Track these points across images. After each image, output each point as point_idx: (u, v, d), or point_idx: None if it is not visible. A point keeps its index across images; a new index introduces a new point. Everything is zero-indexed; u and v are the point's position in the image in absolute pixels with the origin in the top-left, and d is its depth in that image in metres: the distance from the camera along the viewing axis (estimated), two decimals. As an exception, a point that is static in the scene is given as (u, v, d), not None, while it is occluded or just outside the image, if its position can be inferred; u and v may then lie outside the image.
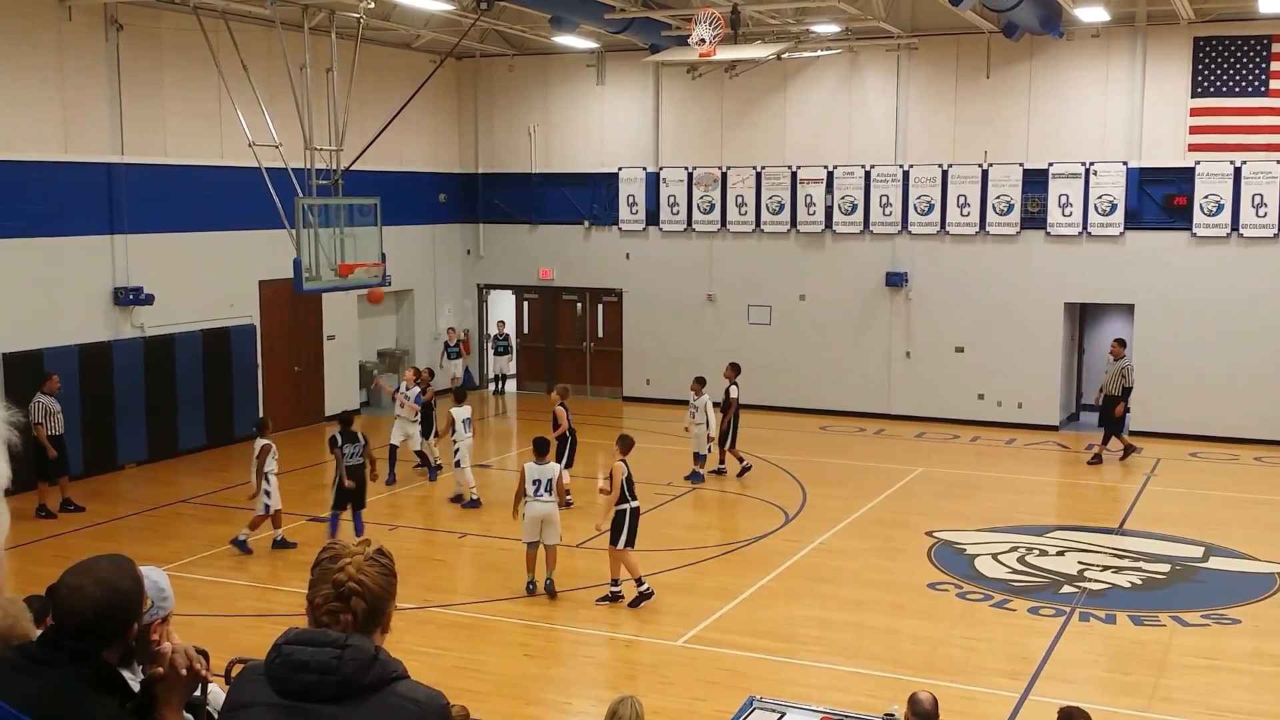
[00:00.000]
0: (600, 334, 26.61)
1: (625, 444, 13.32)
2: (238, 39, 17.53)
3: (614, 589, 13.14)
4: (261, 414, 19.52)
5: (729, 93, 24.57)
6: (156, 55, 19.63)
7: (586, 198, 26.05)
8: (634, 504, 13.10)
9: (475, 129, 26.99)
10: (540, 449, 13.51)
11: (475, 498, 17.18)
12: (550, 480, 13.29)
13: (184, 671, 3.20)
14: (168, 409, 19.73)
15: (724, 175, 24.82)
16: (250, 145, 17.41)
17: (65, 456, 16.59)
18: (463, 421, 17.37)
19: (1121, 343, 20.36)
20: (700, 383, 19.19)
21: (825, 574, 14.29)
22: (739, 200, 24.74)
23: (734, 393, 19.07)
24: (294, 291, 17.91)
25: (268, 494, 14.66)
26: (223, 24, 17.79)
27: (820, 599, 13.42)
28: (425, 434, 18.75)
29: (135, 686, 3.22)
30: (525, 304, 27.54)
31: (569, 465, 16.78)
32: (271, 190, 17.37)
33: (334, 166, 18.34)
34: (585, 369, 26.84)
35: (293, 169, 17.63)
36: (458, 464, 17.31)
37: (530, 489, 13.21)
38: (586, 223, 26.09)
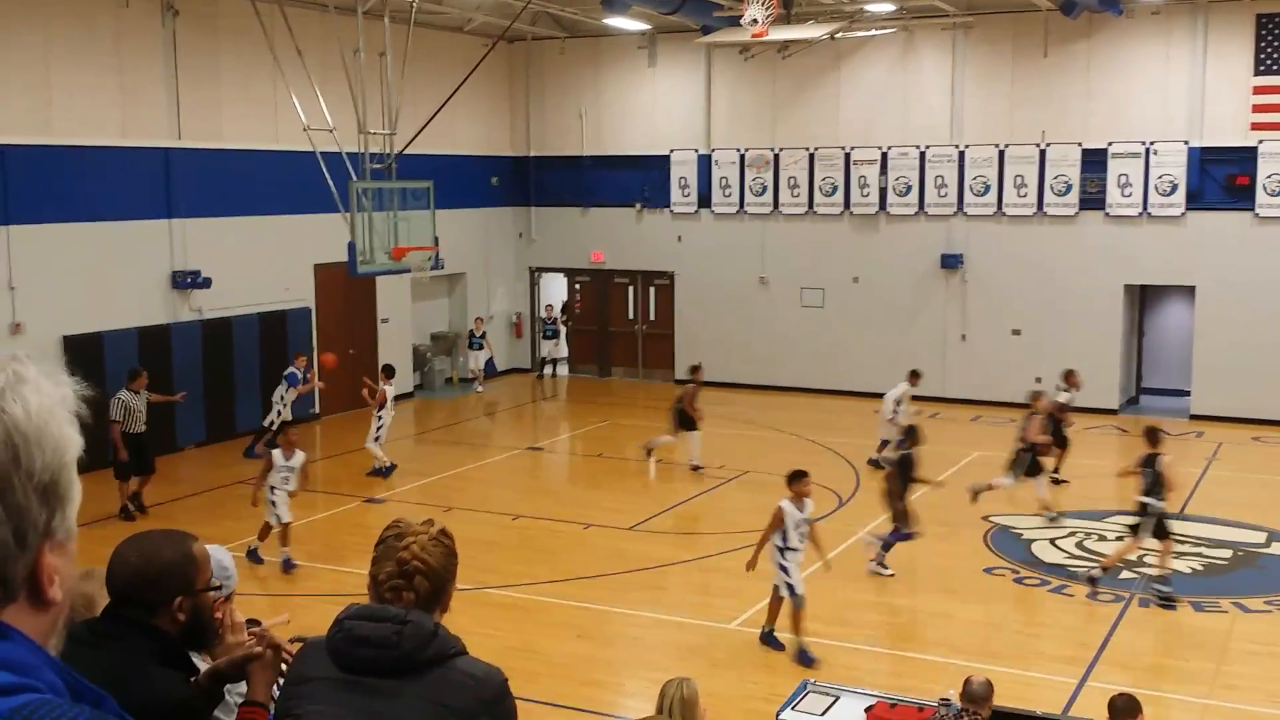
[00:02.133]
0: (652, 317, 26.57)
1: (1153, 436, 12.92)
2: (292, 24, 17.64)
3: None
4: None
5: (781, 73, 24.39)
6: (212, 41, 19.81)
7: (638, 180, 25.99)
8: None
9: (527, 112, 27.01)
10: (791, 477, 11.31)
11: (387, 465, 17.79)
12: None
13: (278, 652, 3.24)
14: (225, 391, 19.96)
15: (776, 157, 24.66)
16: (305, 130, 17.53)
17: (146, 455, 15.84)
18: (391, 399, 17.80)
19: None
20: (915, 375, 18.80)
21: (879, 558, 14.17)
22: (791, 182, 24.58)
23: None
24: (348, 275, 18.04)
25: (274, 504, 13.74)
26: (277, 9, 17.90)
27: (875, 583, 13.32)
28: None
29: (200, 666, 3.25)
30: (577, 287, 27.55)
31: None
32: (326, 174, 17.48)
33: (387, 150, 18.42)
34: (637, 352, 26.82)
35: (347, 153, 17.73)
36: (377, 439, 17.71)
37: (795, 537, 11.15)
38: (638, 205, 26.04)
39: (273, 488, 13.64)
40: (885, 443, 18.08)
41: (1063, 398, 17.51)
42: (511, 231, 27.26)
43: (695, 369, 19.01)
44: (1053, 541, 14.53)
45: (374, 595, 3.03)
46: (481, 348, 25.44)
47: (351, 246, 17.27)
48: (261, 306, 20.61)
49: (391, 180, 18.39)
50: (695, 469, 18.05)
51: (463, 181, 24.91)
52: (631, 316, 26.84)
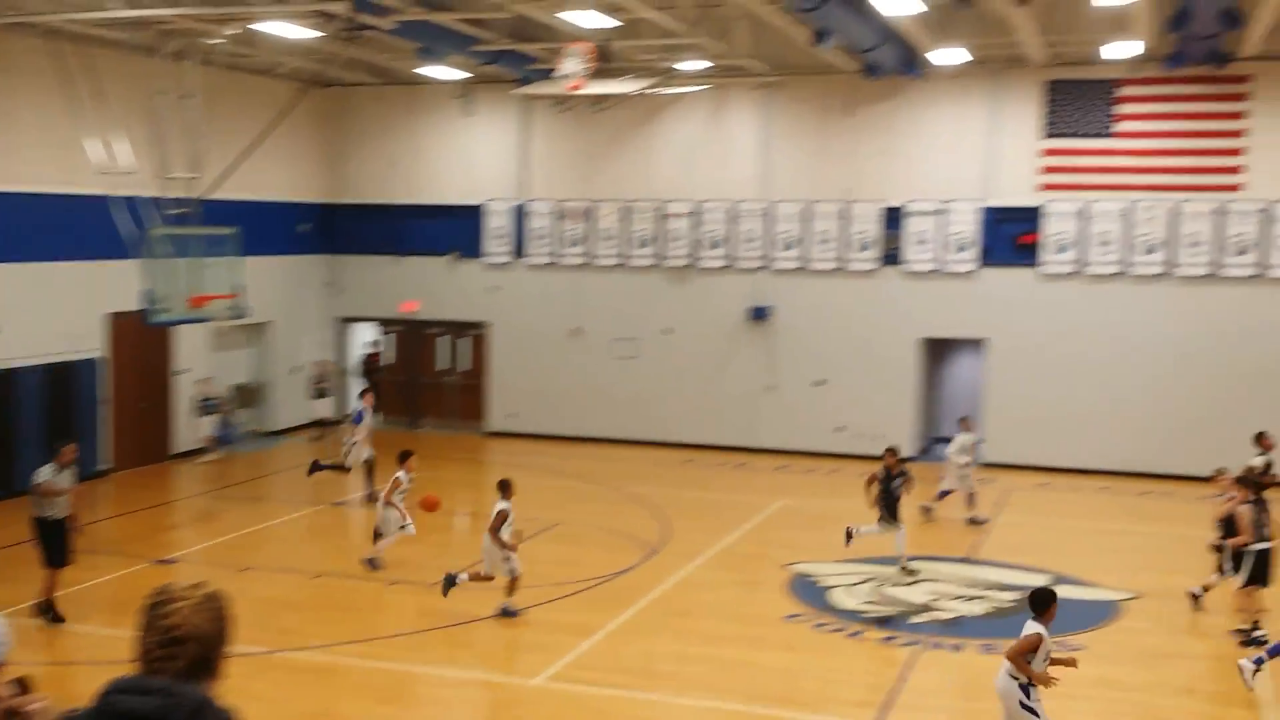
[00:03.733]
0: (466, 367, 26.35)
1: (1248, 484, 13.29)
2: (98, 64, 17.01)
3: (1255, 633, 12.77)
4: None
5: (597, 127, 24.68)
6: (7, 80, 18.87)
7: (452, 230, 25.83)
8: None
9: (339, 158, 26.61)
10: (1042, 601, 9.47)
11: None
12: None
13: None
14: (6, 446, 18.88)
15: (591, 209, 24.88)
16: (102, 173, 16.87)
17: (65, 545, 13.33)
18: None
19: None
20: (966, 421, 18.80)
21: (685, 608, 14.29)
22: (606, 234, 24.82)
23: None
24: (144, 324, 17.38)
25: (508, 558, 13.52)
26: (78, 48, 17.23)
27: (680, 633, 13.41)
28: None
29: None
30: (381, 339, 27.12)
31: None
32: (121, 219, 16.85)
33: (190, 195, 17.89)
34: (448, 403, 26.52)
35: (147, 198, 17.14)
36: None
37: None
38: (452, 255, 25.86)
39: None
40: (945, 492, 18.53)
41: (1257, 462, 16.69)
42: (321, 280, 26.68)
43: (890, 451, 15.86)
44: (850, 588, 14.89)
45: (141, 666, 2.90)
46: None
47: (147, 294, 16.66)
48: (49, 357, 19.62)
49: (194, 226, 17.84)
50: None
51: (271, 228, 24.32)
52: (444, 367, 26.56)
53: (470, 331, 26.18)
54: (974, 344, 23.48)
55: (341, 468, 19.27)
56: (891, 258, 23.09)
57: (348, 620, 13.63)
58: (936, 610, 14.06)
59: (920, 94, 22.76)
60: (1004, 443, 22.54)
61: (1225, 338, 21.33)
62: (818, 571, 15.62)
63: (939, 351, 24.66)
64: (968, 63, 21.51)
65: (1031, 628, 9.35)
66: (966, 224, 22.62)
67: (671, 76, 22.87)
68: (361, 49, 22.04)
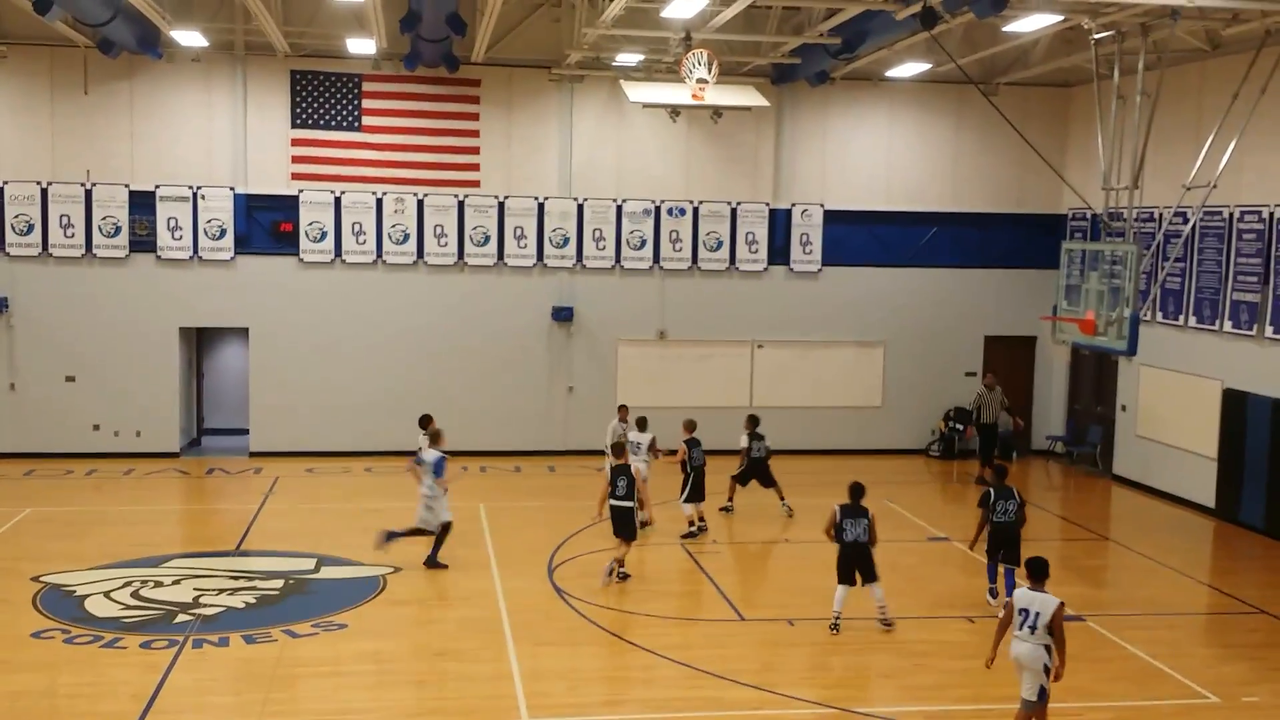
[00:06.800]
0: None
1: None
2: None
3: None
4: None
5: None
6: None
7: None
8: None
9: None
10: (1038, 572, 10.20)
11: None
12: (1039, 614, 9.87)
13: None
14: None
15: None
16: None
17: None
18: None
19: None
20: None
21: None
22: None
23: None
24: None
25: None
26: None
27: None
28: None
29: None
30: None
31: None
32: None
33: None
34: None
35: None
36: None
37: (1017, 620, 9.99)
38: None
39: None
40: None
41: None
42: None
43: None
44: (107, 594, 14.07)
45: None
46: None
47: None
48: None
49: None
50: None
51: None
52: None
53: None
54: (239, 333, 23.17)
55: None
56: (144, 244, 22.02)
57: None
58: (201, 607, 13.73)
59: (163, 75, 21.88)
60: (271, 431, 22.55)
61: (470, 321, 23.05)
62: (71, 580, 14.55)
63: (203, 341, 24.02)
64: (212, 46, 21.08)
65: (1049, 598, 9.89)
66: (221, 211, 22.21)
67: None
68: None
